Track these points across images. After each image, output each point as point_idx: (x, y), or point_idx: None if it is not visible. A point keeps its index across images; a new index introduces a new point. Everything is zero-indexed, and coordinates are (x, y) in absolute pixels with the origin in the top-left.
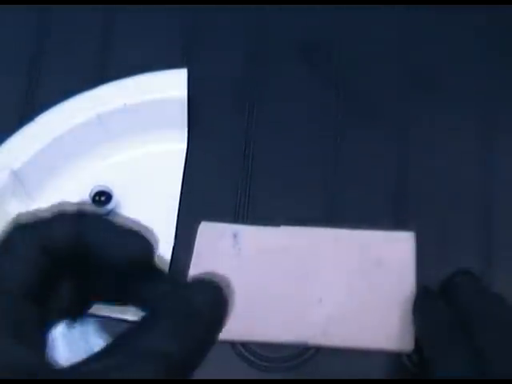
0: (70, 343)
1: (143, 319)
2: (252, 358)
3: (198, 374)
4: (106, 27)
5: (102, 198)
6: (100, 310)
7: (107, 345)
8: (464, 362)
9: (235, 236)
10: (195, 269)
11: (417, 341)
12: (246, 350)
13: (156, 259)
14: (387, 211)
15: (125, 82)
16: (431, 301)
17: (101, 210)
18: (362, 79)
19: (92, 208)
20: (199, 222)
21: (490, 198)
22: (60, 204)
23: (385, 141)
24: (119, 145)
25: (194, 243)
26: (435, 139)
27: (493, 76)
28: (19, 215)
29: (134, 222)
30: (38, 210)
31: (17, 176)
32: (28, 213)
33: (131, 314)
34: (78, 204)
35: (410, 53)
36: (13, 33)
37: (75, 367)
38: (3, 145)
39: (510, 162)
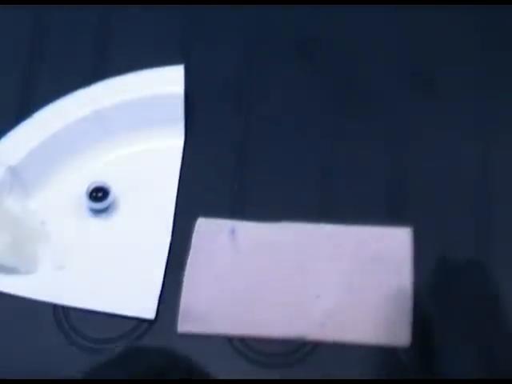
0: None
1: None
2: (249, 353)
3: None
4: (103, 25)
5: (99, 194)
6: (98, 305)
7: None
8: (470, 359)
9: (232, 232)
10: (192, 265)
11: (414, 336)
12: (243, 344)
13: None
14: (384, 207)
15: (122, 79)
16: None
17: (98, 206)
18: (362, 78)
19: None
20: (196, 218)
21: (488, 195)
22: None
23: (383, 138)
24: (116, 141)
25: (191, 239)
26: (433, 136)
27: (492, 75)
28: None
29: None
30: None
31: (14, 172)
32: None
33: (131, 311)
34: None
35: (409, 52)
36: (12, 31)
37: None
38: (1, 140)
39: (510, 161)
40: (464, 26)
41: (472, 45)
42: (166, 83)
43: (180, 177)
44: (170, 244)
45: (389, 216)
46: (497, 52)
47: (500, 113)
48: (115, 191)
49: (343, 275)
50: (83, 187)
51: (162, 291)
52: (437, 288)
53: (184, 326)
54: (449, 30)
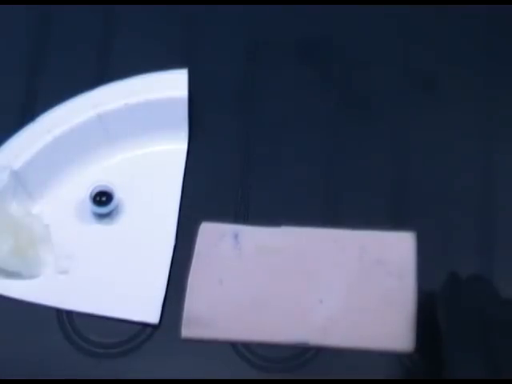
0: None
1: None
2: (253, 358)
3: (199, 373)
4: (106, 28)
5: (103, 199)
6: (101, 310)
7: None
8: (476, 364)
9: (236, 236)
10: (196, 269)
11: (417, 341)
12: (247, 350)
13: None
14: (387, 211)
15: (125, 83)
16: (456, 294)
17: (102, 211)
18: (362, 79)
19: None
20: (200, 223)
21: (490, 198)
22: None
23: (385, 141)
24: (120, 145)
25: (194, 243)
26: (435, 139)
27: (492, 76)
28: None
29: None
30: None
31: (17, 176)
32: None
33: (135, 315)
34: None
35: (409, 53)
36: (13, 33)
37: None
38: (4, 144)
39: (510, 161)
40: (464, 26)
41: (473, 45)
42: (169, 87)
43: (183, 181)
44: (174, 248)
45: (392, 220)
46: (497, 52)
47: (502, 114)
48: (119, 195)
49: (346, 280)
50: (87, 191)
51: (165, 296)
52: (440, 292)
53: (188, 330)
54: (449, 30)
